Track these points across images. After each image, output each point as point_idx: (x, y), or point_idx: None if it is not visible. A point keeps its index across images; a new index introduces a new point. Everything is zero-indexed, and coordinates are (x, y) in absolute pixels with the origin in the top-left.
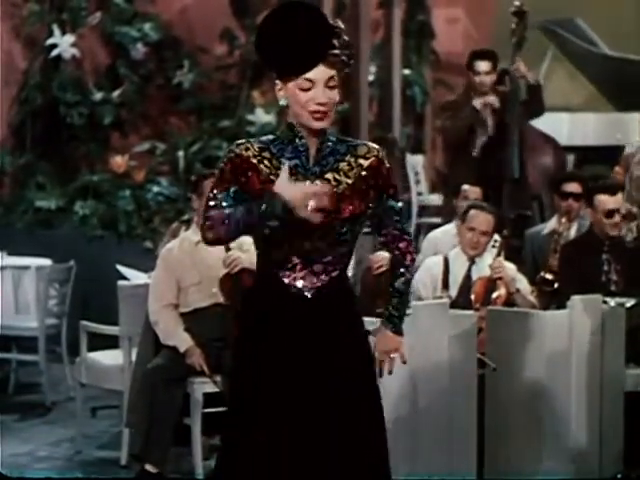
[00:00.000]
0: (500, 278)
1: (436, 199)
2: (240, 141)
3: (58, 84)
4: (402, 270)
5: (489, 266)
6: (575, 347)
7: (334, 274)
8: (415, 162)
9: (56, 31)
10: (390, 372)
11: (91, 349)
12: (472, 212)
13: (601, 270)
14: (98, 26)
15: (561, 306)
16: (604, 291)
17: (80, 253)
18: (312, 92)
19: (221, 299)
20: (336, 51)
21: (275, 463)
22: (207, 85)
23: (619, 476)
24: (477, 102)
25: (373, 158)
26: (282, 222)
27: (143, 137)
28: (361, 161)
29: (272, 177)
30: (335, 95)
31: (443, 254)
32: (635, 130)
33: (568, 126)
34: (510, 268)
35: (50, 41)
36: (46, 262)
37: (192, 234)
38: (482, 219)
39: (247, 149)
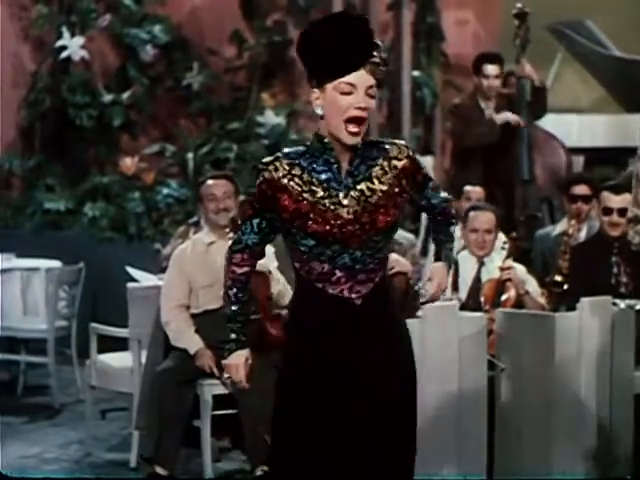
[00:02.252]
0: (509, 280)
1: None
2: (268, 159)
3: (67, 86)
4: (453, 220)
5: (498, 268)
6: (585, 349)
7: (377, 279)
8: (424, 164)
9: (65, 33)
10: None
11: (101, 351)
12: (472, 214)
13: (611, 272)
14: (107, 28)
15: (571, 308)
16: (614, 293)
17: (89, 255)
18: (352, 96)
19: None
20: (377, 60)
21: (320, 469)
22: (216, 87)
23: (629, 477)
24: (498, 118)
25: (406, 159)
26: (318, 241)
27: (152, 139)
28: (394, 163)
29: (304, 194)
30: (373, 105)
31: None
32: None
33: (577, 128)
34: (520, 270)
35: (59, 43)
36: (55, 264)
37: (204, 236)
38: (483, 218)
39: (276, 169)
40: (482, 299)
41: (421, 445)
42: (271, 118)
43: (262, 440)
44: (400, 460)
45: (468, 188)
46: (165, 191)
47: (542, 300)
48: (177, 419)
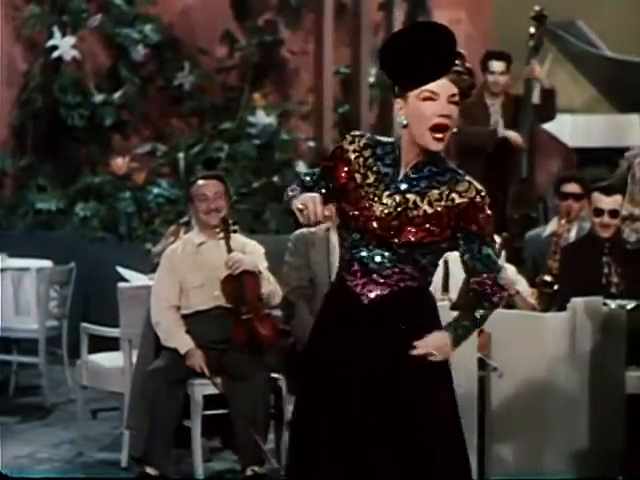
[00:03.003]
0: None
1: None
2: (355, 132)
3: (59, 86)
4: (486, 304)
5: None
6: (576, 349)
7: (397, 287)
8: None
9: (57, 33)
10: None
11: (92, 351)
12: None
13: (601, 272)
14: (99, 28)
15: (562, 308)
16: (605, 293)
17: (81, 255)
18: (436, 103)
19: (222, 302)
20: (460, 69)
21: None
22: (208, 87)
23: (620, 478)
24: (501, 131)
25: (468, 200)
26: (343, 222)
27: (144, 139)
28: (454, 196)
29: (357, 174)
30: (456, 113)
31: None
32: (636, 132)
33: (570, 127)
34: (510, 270)
35: (51, 43)
36: (47, 264)
37: (194, 236)
38: None
39: (352, 142)
40: None
41: None
42: (262, 118)
43: (253, 440)
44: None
45: None
46: (156, 191)
47: (532, 300)
48: (168, 419)
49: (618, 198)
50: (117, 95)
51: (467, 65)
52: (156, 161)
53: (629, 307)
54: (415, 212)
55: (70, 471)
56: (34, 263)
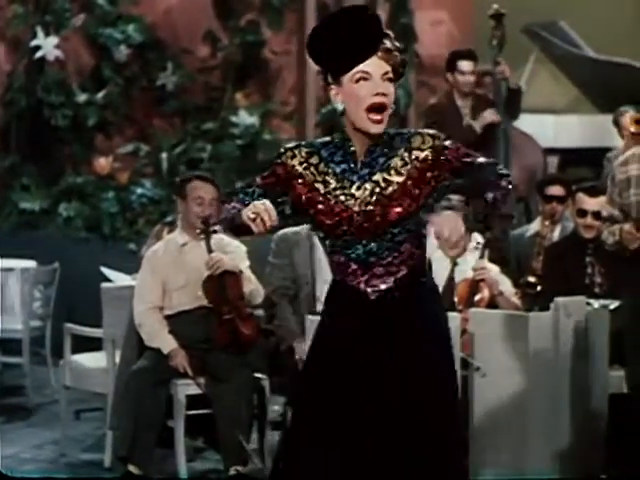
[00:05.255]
0: (483, 280)
1: None
2: (290, 145)
3: (42, 86)
4: (502, 183)
5: (472, 268)
6: (559, 349)
7: (400, 275)
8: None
9: (40, 33)
10: None
11: (75, 351)
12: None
13: (585, 272)
14: (82, 28)
15: (545, 308)
16: (588, 293)
17: (64, 255)
18: (370, 83)
19: (206, 302)
20: (389, 46)
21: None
22: (191, 87)
23: (603, 477)
24: (477, 125)
25: (429, 150)
26: (327, 232)
27: (127, 139)
28: (416, 153)
29: (317, 184)
30: (393, 89)
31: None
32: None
33: (553, 128)
34: (493, 270)
35: (34, 43)
36: (30, 264)
37: (178, 236)
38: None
39: (293, 156)
40: (456, 299)
41: None
42: (245, 118)
43: (236, 440)
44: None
45: None
46: (139, 191)
47: (516, 300)
48: (151, 419)
49: (602, 199)
50: (100, 95)
51: (396, 43)
52: (139, 161)
53: (612, 307)
54: (390, 188)
55: (54, 471)
56: (18, 263)
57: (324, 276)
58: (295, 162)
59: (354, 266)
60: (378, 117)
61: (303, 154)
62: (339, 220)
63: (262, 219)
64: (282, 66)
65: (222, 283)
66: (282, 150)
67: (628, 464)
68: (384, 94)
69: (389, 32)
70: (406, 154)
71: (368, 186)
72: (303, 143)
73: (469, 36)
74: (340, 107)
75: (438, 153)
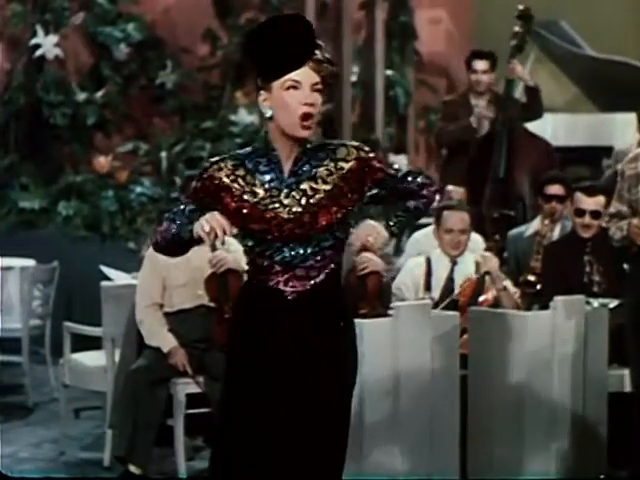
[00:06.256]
0: (488, 273)
1: None
2: (215, 159)
3: (41, 85)
4: (425, 193)
5: (475, 262)
6: (558, 348)
7: (319, 279)
8: (398, 163)
9: (39, 31)
10: None
11: (74, 350)
12: (445, 213)
13: (584, 271)
14: (81, 26)
15: (544, 307)
16: (587, 292)
17: (63, 254)
18: (299, 92)
19: (206, 301)
20: (320, 57)
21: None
22: (190, 85)
23: (602, 477)
24: (472, 119)
25: (354, 161)
26: (257, 240)
27: (126, 137)
28: (341, 164)
29: (245, 195)
30: (320, 100)
31: (425, 255)
32: (618, 131)
33: (552, 127)
34: (496, 261)
35: (33, 41)
36: (30, 263)
37: None
38: (456, 219)
39: (220, 169)
40: (460, 299)
41: (393, 444)
42: (244, 117)
43: None
44: (322, 459)
45: (450, 188)
46: (139, 190)
47: (517, 297)
48: (150, 418)
49: (600, 199)
50: (100, 94)
51: (326, 55)
52: (138, 160)
53: (611, 306)
54: (317, 196)
55: (53, 470)
56: (17, 262)
57: None
58: (222, 174)
59: (278, 268)
60: (307, 123)
61: (229, 166)
62: (269, 227)
63: (216, 230)
64: None
65: (224, 281)
66: (207, 164)
67: (628, 464)
68: (312, 104)
69: (321, 43)
70: (332, 164)
71: (296, 194)
72: (227, 156)
73: (468, 34)
74: (268, 113)
75: (362, 164)
